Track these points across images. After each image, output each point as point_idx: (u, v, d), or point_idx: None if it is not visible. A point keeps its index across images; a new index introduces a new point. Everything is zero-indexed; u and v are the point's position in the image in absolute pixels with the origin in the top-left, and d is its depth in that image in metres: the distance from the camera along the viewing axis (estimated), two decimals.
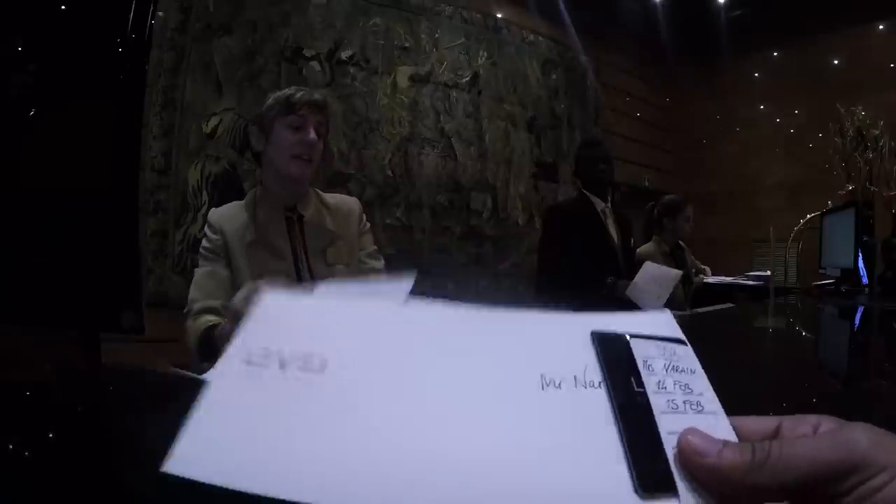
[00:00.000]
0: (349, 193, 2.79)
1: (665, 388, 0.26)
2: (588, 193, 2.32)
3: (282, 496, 0.21)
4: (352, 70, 2.98)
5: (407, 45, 3.21)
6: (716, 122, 4.97)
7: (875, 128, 3.02)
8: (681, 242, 2.93)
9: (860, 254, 2.47)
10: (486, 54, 3.57)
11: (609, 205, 2.33)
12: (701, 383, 0.27)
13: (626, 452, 0.24)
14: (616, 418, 0.25)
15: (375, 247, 1.40)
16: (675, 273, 2.07)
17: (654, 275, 2.05)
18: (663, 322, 0.30)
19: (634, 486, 0.23)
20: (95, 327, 1.20)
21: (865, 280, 2.51)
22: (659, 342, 0.28)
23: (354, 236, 1.36)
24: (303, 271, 1.26)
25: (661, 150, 4.90)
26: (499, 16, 3.69)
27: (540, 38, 3.90)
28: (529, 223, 3.67)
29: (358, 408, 0.24)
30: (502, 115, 3.63)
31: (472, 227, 3.45)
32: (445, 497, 0.22)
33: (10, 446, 0.50)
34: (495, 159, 3.58)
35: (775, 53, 4.73)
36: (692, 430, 0.24)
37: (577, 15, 3.99)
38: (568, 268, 2.15)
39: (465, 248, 3.40)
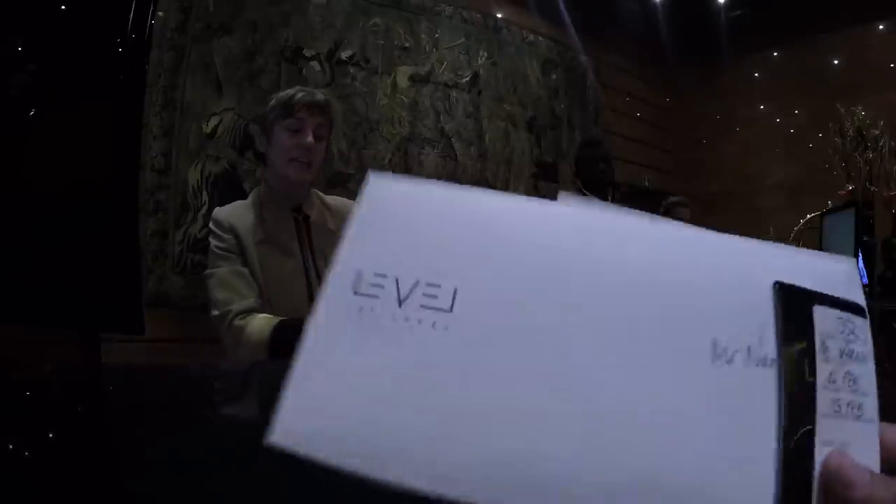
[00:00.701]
0: (349, 193, 2.79)
1: (835, 381, 0.22)
2: (588, 193, 2.32)
3: (395, 481, 0.18)
4: (352, 70, 2.97)
5: (407, 45, 3.21)
6: (716, 122, 4.97)
7: (875, 128, 3.02)
8: None
9: (860, 254, 2.47)
10: (486, 54, 3.56)
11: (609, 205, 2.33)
12: (869, 378, 0.23)
13: (778, 459, 0.21)
14: (779, 414, 0.21)
15: None
16: None
17: None
18: (846, 276, 0.25)
19: (776, 499, 0.20)
20: (95, 327, 1.20)
21: (865, 280, 2.51)
22: (841, 313, 0.23)
23: None
24: (310, 270, 1.27)
25: (661, 150, 4.90)
26: (499, 16, 3.69)
27: (540, 38, 3.89)
28: None
29: (495, 362, 0.19)
30: (502, 115, 3.63)
31: None
32: (581, 480, 0.19)
33: (10, 446, 0.50)
34: (495, 159, 3.57)
35: (775, 53, 4.73)
36: (842, 455, 0.22)
37: (577, 15, 3.98)
38: None
39: None
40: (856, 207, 2.51)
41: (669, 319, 0.21)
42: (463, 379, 0.19)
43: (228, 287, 1.19)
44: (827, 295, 0.23)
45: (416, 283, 0.20)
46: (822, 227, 3.00)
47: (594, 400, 0.20)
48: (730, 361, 0.21)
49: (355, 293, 0.20)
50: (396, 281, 0.20)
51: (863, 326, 0.24)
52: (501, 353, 0.19)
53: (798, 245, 3.05)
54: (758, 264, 0.23)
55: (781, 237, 2.98)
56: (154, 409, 0.65)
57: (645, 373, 0.20)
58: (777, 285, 0.22)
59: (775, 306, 0.22)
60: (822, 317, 0.23)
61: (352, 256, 0.21)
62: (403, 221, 0.21)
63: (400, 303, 0.20)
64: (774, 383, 0.21)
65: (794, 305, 0.22)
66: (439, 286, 0.20)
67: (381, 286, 0.20)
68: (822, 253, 0.25)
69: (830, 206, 3.02)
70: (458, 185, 0.23)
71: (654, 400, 0.20)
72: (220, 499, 0.38)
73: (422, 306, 0.20)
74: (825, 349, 0.22)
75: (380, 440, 0.18)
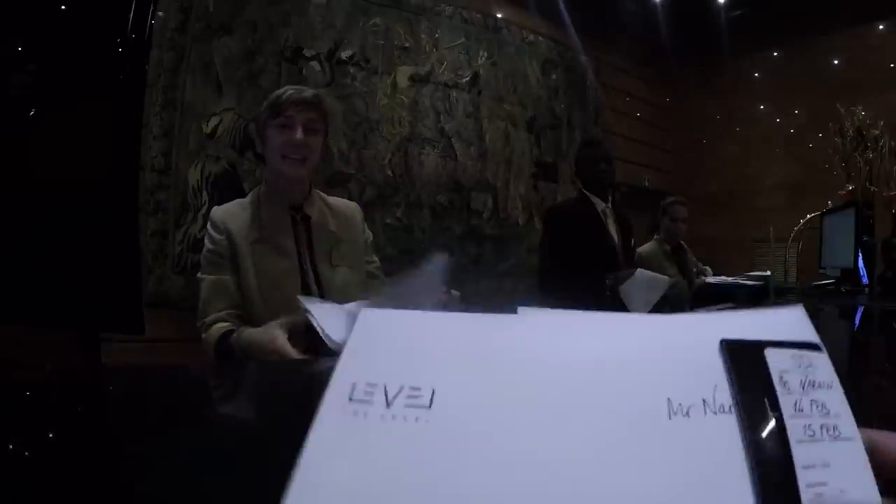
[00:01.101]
0: (349, 193, 2.79)
1: (802, 410, 0.24)
2: (588, 194, 2.32)
3: None
4: (352, 70, 2.97)
5: (407, 45, 3.21)
6: (716, 122, 4.97)
7: (875, 128, 3.02)
8: (682, 242, 2.94)
9: (860, 254, 2.47)
10: (486, 54, 3.56)
11: (609, 205, 2.33)
12: (838, 401, 0.24)
13: (756, 493, 0.21)
14: (748, 451, 0.22)
15: (377, 259, 1.42)
16: (665, 279, 2.08)
17: (645, 279, 2.06)
18: (796, 321, 0.26)
19: None
20: (95, 327, 1.21)
21: (865, 280, 2.51)
22: (795, 351, 0.25)
23: (358, 240, 1.37)
24: (307, 271, 1.27)
25: (661, 150, 4.90)
26: (499, 16, 3.69)
27: (540, 38, 3.89)
28: (529, 223, 3.67)
29: (470, 447, 0.22)
30: (502, 115, 3.63)
31: (472, 227, 3.45)
32: None
33: (10, 446, 0.50)
34: (495, 159, 3.58)
35: (775, 53, 4.73)
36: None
37: (577, 15, 3.98)
38: (569, 268, 2.15)
39: (465, 248, 3.40)
40: (856, 207, 2.52)
41: (627, 392, 0.23)
42: (444, 465, 0.22)
43: (208, 298, 1.22)
44: (775, 340, 0.25)
45: (401, 388, 0.23)
46: (822, 227, 3.00)
47: (568, 477, 0.21)
48: (686, 415, 0.23)
49: (350, 400, 0.23)
50: (384, 387, 0.23)
51: (820, 358, 0.26)
52: (476, 441, 0.22)
53: (798, 245, 3.06)
54: (707, 331, 0.25)
55: (781, 237, 2.98)
56: (154, 409, 0.65)
57: (613, 441, 0.22)
58: (723, 342, 0.25)
59: (724, 360, 0.24)
60: (775, 357, 0.25)
61: (347, 371, 0.24)
62: (389, 341, 0.25)
63: (387, 404, 0.23)
64: (735, 424, 0.23)
65: (744, 354, 0.24)
66: (420, 388, 0.23)
67: (372, 393, 0.23)
68: (769, 308, 0.27)
69: (830, 206, 3.02)
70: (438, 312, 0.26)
71: (624, 461, 0.22)
72: (220, 499, 0.38)
73: (406, 406, 0.23)
74: (784, 383, 0.24)
75: None
